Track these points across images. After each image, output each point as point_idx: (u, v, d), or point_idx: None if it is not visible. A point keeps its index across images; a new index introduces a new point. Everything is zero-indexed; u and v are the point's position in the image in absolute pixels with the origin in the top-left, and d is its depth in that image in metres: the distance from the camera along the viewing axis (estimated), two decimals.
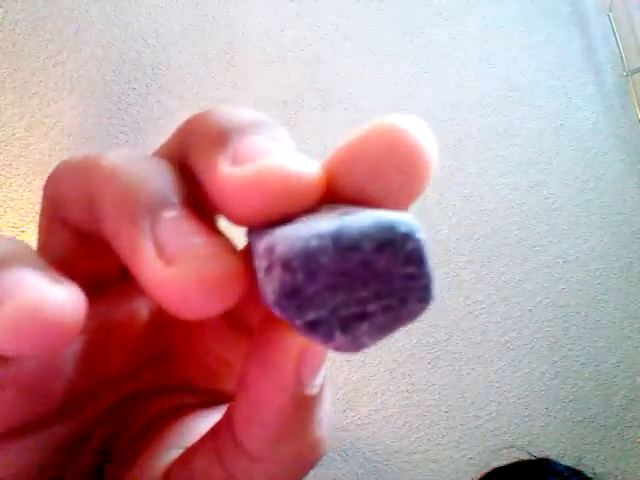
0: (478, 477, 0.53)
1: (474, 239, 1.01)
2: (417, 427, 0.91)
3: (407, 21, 1.06)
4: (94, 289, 0.13)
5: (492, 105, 1.07)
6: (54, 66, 0.87)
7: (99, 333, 0.14)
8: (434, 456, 0.91)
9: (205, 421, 0.15)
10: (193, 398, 0.16)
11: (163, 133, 0.87)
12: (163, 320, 0.15)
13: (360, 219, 0.09)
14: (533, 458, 0.54)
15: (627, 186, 1.13)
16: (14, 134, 0.83)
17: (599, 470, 0.93)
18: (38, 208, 0.69)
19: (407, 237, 0.09)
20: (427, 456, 0.91)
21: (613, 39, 1.16)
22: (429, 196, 1.00)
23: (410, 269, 0.09)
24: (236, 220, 0.11)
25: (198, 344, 0.15)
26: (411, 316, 0.10)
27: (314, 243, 0.09)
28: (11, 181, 0.82)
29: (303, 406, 0.12)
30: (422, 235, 0.09)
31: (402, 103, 1.01)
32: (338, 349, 0.09)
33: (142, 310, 0.14)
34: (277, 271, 0.09)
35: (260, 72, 0.96)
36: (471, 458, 0.92)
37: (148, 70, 0.90)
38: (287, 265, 0.09)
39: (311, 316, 0.09)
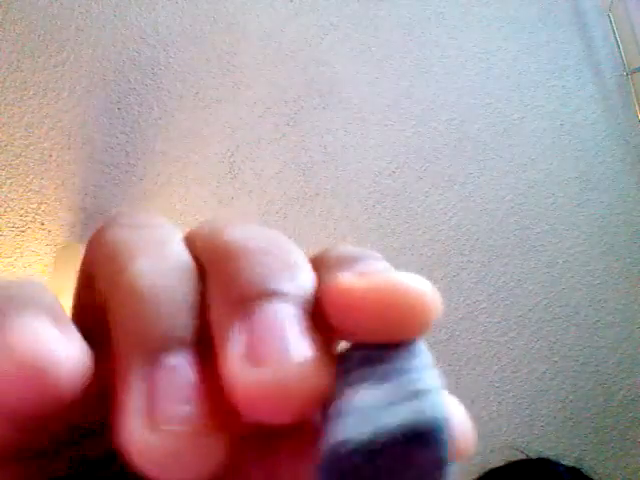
0: (477, 476, 0.53)
1: (474, 239, 1.01)
2: None
3: (407, 21, 1.06)
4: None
5: (492, 105, 1.07)
6: (54, 66, 0.87)
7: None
8: None
9: None
10: None
11: (163, 133, 0.88)
12: None
13: (392, 416, 0.10)
14: (533, 458, 0.54)
15: (627, 186, 1.13)
16: (14, 134, 0.83)
17: (599, 470, 0.93)
18: (38, 208, 0.68)
19: (437, 436, 0.10)
20: None
21: (613, 39, 1.16)
22: (429, 196, 1.00)
23: (432, 457, 0.10)
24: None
25: None
26: None
27: (347, 453, 0.10)
28: (11, 181, 0.82)
29: None
30: (448, 425, 0.10)
31: (402, 103, 1.01)
32: None
33: None
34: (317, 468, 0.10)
35: (260, 72, 0.96)
36: (471, 458, 0.92)
37: (148, 70, 0.90)
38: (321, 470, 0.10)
39: None
